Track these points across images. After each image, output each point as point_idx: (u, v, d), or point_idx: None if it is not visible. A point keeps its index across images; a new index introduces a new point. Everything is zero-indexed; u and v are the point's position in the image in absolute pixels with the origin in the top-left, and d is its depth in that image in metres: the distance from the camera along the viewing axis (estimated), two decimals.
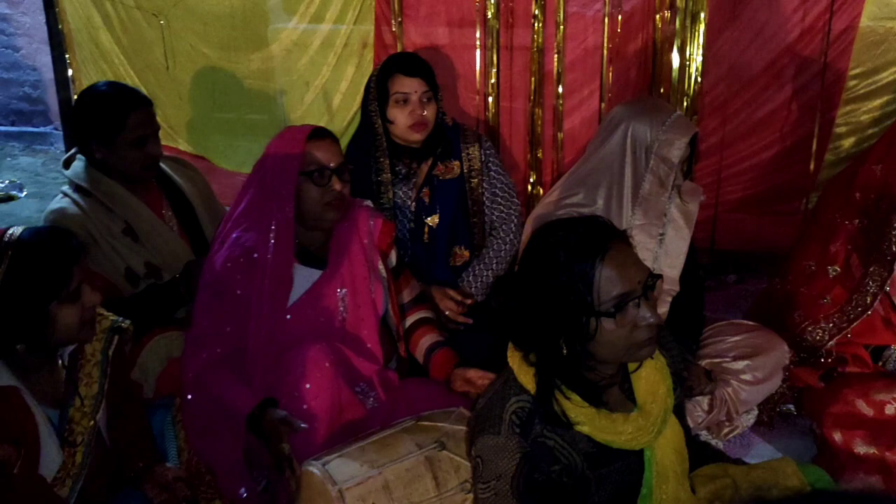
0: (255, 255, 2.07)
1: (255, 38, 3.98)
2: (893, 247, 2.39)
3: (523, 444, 1.55)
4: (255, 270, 2.07)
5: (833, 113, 3.31)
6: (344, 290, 2.20)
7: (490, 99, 3.56)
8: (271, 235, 2.07)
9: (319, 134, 2.17)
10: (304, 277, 2.16)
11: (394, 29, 3.56)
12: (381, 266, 2.30)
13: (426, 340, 2.33)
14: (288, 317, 2.11)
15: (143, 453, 2.00)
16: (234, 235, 2.12)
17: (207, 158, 4.13)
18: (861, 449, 2.31)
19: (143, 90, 3.90)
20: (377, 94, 2.66)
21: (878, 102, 3.27)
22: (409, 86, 2.62)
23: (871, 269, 2.46)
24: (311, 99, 3.94)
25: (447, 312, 2.59)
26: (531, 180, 3.61)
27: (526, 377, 1.60)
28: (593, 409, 1.58)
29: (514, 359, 1.64)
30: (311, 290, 2.16)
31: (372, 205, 2.39)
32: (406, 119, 2.63)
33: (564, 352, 1.54)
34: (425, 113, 2.63)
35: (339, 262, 2.21)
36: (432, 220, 2.75)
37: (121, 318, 1.97)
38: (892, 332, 2.49)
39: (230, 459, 1.97)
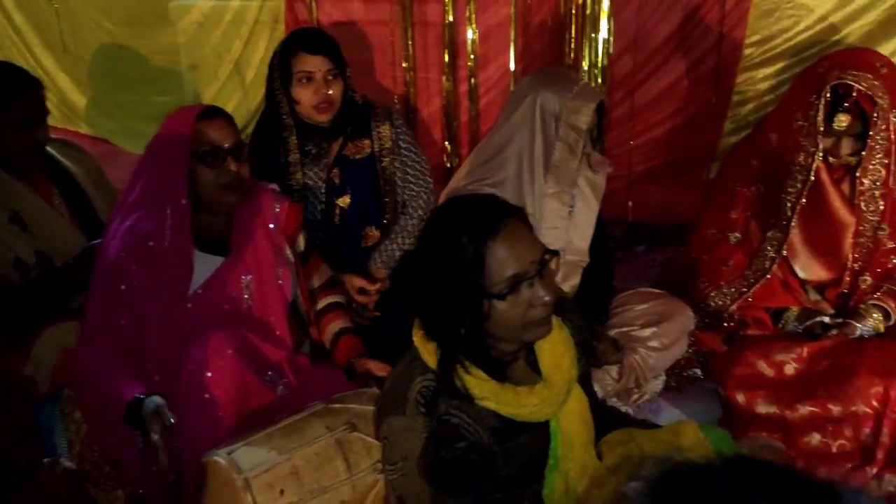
0: (151, 244, 2.00)
1: (161, 13, 3.87)
2: (789, 212, 2.46)
3: (429, 423, 1.55)
4: (152, 260, 2.00)
5: (732, 81, 3.39)
6: (249, 277, 2.15)
7: (406, 72, 3.56)
8: (167, 222, 2.01)
9: (211, 113, 2.10)
10: (205, 265, 2.10)
11: (309, 1, 3.52)
12: (288, 251, 2.25)
13: (334, 326, 2.31)
14: (189, 306, 2.05)
15: (28, 451, 1.93)
16: (127, 223, 2.04)
17: (111, 141, 4.00)
18: (763, 409, 2.37)
19: (39, 71, 3.76)
20: (280, 72, 2.59)
21: (773, 69, 3.36)
22: (313, 64, 2.55)
23: (769, 234, 2.53)
24: (224, 74, 3.86)
25: (356, 303, 2.55)
26: (448, 152, 3.63)
27: (429, 355, 1.60)
28: (497, 383, 1.59)
29: (418, 337, 1.63)
30: (213, 278, 2.10)
31: (277, 188, 2.33)
32: (311, 98, 2.56)
33: (462, 331, 1.54)
34: (330, 92, 2.57)
35: (242, 248, 2.16)
36: (343, 202, 2.71)
37: None
38: (791, 294, 2.56)
39: (129, 451, 1.92)
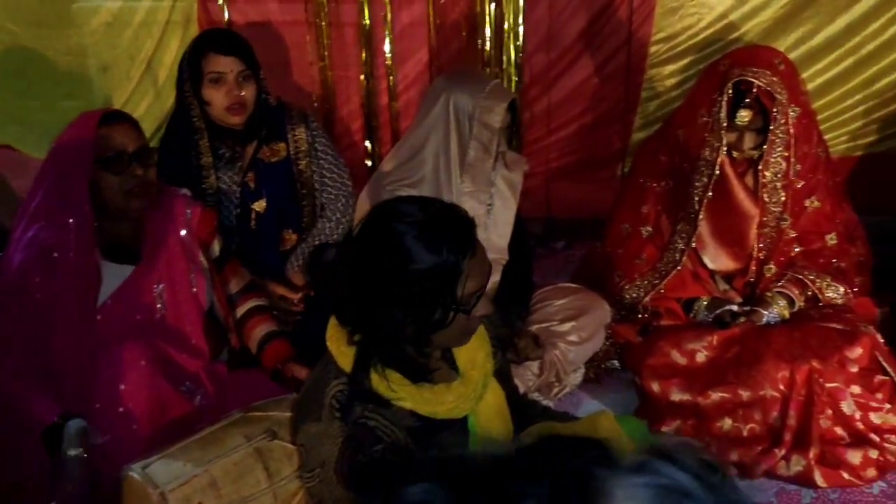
0: (55, 255, 1.94)
1: (66, 14, 3.74)
2: (696, 205, 2.54)
3: (345, 427, 1.55)
4: (57, 271, 1.94)
5: (640, 78, 3.48)
6: (161, 286, 2.10)
7: (323, 73, 3.54)
8: (71, 232, 1.94)
9: (114, 117, 2.05)
10: (115, 274, 2.05)
11: (220, 2, 3.46)
12: (202, 257, 2.21)
13: (259, 331, 2.27)
14: (99, 318, 1.99)
15: None
16: (30, 234, 1.97)
17: (15, 148, 3.84)
18: (677, 396, 2.43)
19: None
20: (190, 73, 2.54)
21: (679, 66, 3.45)
22: (224, 64, 2.50)
23: (679, 227, 2.61)
24: (136, 76, 3.76)
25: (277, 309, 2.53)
26: (368, 151, 3.63)
27: (344, 359, 1.59)
28: (413, 385, 1.60)
29: (332, 341, 1.62)
30: (123, 288, 2.05)
31: (189, 193, 2.28)
32: (222, 100, 2.52)
33: (409, 335, 1.54)
34: (243, 93, 2.53)
35: (154, 256, 2.11)
36: (259, 206, 2.67)
37: None
38: (701, 285, 2.64)
39: (36, 475, 1.85)
